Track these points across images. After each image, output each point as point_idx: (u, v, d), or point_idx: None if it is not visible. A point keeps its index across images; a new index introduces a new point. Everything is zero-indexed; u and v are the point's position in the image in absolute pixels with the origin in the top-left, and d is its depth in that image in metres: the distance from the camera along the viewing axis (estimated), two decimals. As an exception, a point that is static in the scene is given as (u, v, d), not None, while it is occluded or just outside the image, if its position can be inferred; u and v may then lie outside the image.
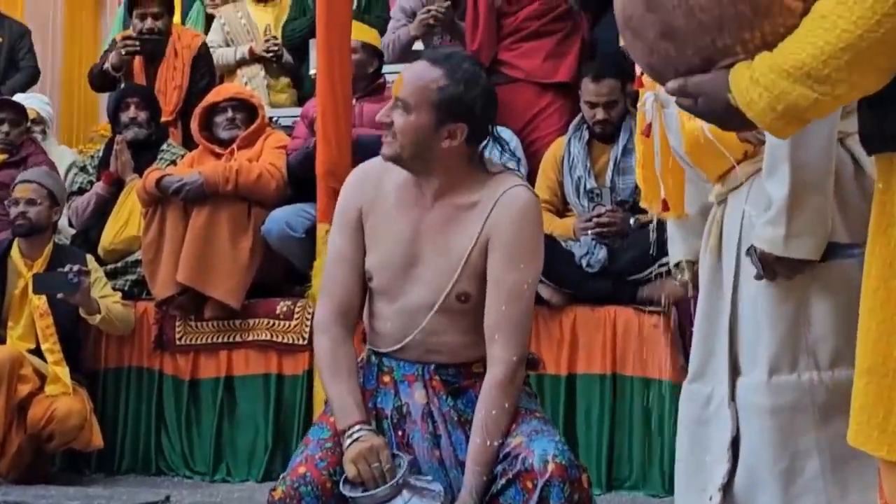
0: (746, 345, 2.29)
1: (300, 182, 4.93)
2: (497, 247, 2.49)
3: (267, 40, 6.42)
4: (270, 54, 6.39)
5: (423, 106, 2.47)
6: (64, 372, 4.54)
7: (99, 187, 5.28)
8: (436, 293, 2.52)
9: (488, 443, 2.41)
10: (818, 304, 2.20)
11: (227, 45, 6.54)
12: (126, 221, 5.14)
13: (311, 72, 5.97)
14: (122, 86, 5.84)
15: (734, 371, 2.32)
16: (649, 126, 2.48)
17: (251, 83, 6.36)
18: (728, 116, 1.52)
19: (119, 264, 5.12)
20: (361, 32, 5.31)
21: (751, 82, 1.46)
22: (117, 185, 5.25)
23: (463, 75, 2.48)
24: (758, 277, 2.20)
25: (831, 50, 1.38)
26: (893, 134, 1.46)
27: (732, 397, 2.32)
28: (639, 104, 2.57)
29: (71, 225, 5.40)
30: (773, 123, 1.46)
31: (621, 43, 4.82)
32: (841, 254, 2.13)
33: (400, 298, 2.55)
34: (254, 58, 6.44)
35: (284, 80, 6.57)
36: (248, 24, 6.75)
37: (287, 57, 6.49)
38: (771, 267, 2.17)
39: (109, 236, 5.14)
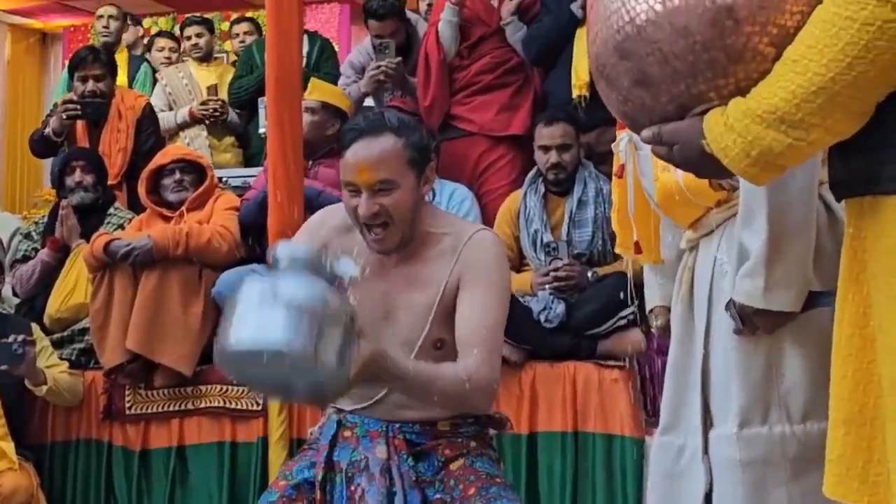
0: (718, 396, 2.25)
1: (252, 236, 4.87)
2: (471, 278, 2.43)
3: (205, 101, 6.37)
4: (212, 117, 6.34)
5: (402, 172, 2.42)
6: (9, 447, 4.39)
7: (44, 254, 5.16)
8: (411, 344, 2.45)
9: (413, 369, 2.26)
10: (790, 355, 2.16)
11: (170, 108, 6.49)
12: (73, 288, 5.02)
13: (261, 130, 5.93)
14: (66, 150, 5.74)
15: (706, 423, 2.28)
16: (622, 167, 2.44)
17: (193, 144, 6.31)
18: (703, 164, 1.49)
19: (66, 333, 4.99)
20: (322, 91, 5.27)
21: (725, 128, 1.43)
22: (63, 252, 5.13)
23: (400, 122, 2.45)
24: (736, 332, 2.15)
25: (804, 94, 1.36)
26: (861, 177, 1.43)
27: (706, 450, 2.27)
28: (613, 144, 2.54)
29: (15, 294, 5.26)
30: (747, 170, 1.43)
31: (574, 94, 4.87)
32: (821, 302, 2.08)
33: None
34: (195, 119, 6.39)
35: (228, 140, 6.53)
36: (191, 84, 6.72)
37: (233, 115, 6.45)
38: (751, 320, 2.12)
39: (56, 304, 5.02)
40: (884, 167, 1.39)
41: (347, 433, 2.54)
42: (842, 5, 1.33)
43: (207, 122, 6.40)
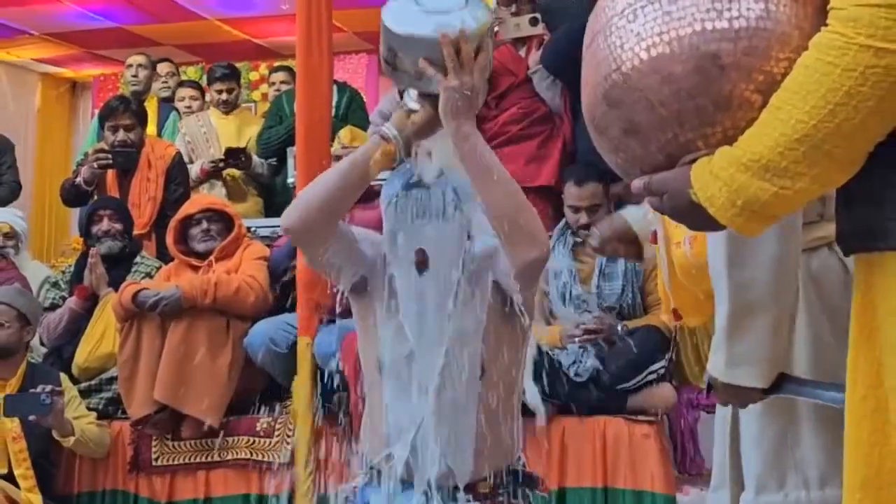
0: (744, 460, 2.21)
1: (283, 285, 4.86)
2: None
3: (215, 161, 6.38)
4: (219, 171, 6.37)
5: None
6: (37, 499, 4.38)
7: (72, 302, 5.16)
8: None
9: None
10: (806, 419, 2.11)
11: (189, 158, 6.49)
12: (101, 338, 5.02)
13: (290, 180, 5.94)
14: (94, 199, 5.77)
15: (738, 486, 2.24)
16: (654, 233, 2.42)
17: (210, 193, 6.33)
18: (692, 214, 1.45)
19: (93, 382, 4.98)
20: (358, 138, 5.28)
21: (710, 177, 1.40)
22: (91, 300, 5.14)
23: None
24: (722, 403, 2.11)
25: (787, 141, 1.33)
26: (867, 231, 1.39)
27: None
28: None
29: (42, 343, 5.26)
30: (734, 219, 1.39)
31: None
32: (786, 389, 1.96)
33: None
34: (206, 175, 6.40)
35: (249, 191, 6.53)
36: (209, 133, 6.75)
37: (262, 167, 6.46)
38: (721, 393, 2.02)
39: (84, 354, 5.01)
40: (890, 222, 1.36)
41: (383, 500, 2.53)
42: (824, 51, 1.30)
43: (224, 178, 6.43)
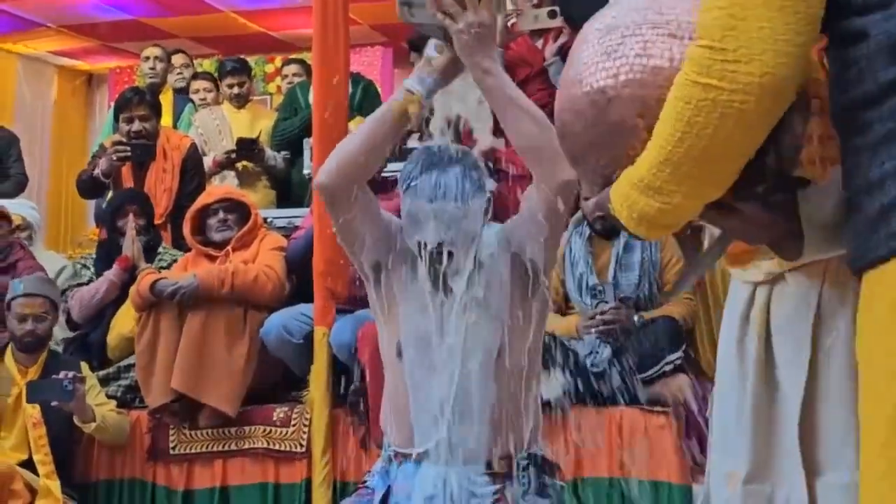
0: (830, 440, 2.17)
1: (299, 275, 4.88)
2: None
3: (229, 152, 6.39)
4: (237, 156, 6.38)
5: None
6: (55, 486, 4.41)
7: (112, 273, 5.10)
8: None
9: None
10: None
11: (203, 151, 6.49)
12: None
13: (306, 171, 5.96)
14: (112, 192, 5.79)
15: (811, 470, 2.20)
16: None
17: (223, 184, 6.34)
18: (624, 227, 1.60)
19: (111, 370, 5.01)
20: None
21: (616, 194, 1.57)
22: (130, 273, 5.07)
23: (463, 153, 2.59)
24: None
25: (657, 163, 1.48)
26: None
27: (812, 499, 2.19)
28: None
29: (68, 321, 5.24)
30: (637, 229, 1.56)
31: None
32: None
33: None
34: (219, 166, 6.42)
35: (261, 183, 6.54)
36: (223, 126, 6.76)
37: (274, 157, 6.47)
38: None
39: (128, 324, 4.98)
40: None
41: (403, 482, 2.55)
42: (675, 85, 1.46)
43: (237, 168, 6.45)
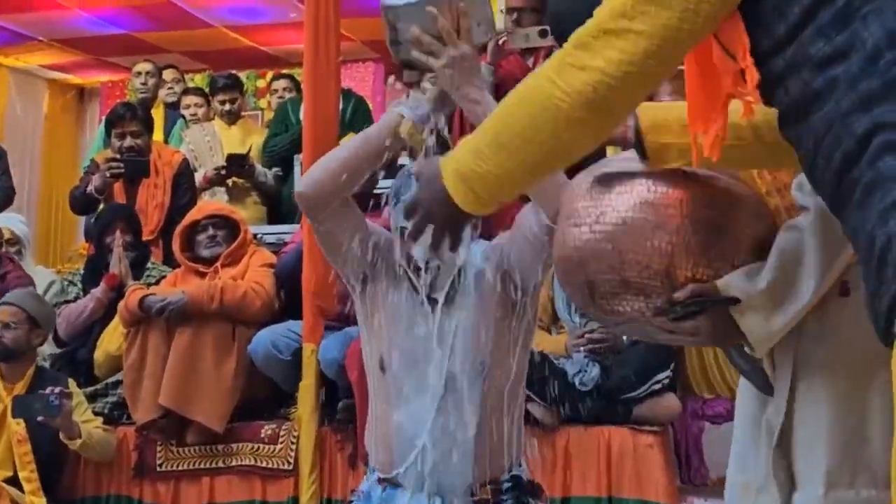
0: (804, 456, 2.19)
1: (288, 291, 4.87)
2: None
3: (219, 168, 6.38)
4: (227, 173, 6.37)
5: None
6: (41, 502, 4.39)
7: (99, 291, 5.11)
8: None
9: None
10: (878, 415, 2.10)
11: (193, 167, 6.45)
12: None
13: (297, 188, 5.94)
14: (102, 206, 5.76)
15: (790, 485, 2.21)
16: None
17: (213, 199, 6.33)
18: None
19: (99, 386, 4.99)
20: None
21: (452, 158, 1.67)
22: (117, 291, 5.07)
23: None
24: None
25: (486, 127, 1.62)
26: None
27: None
28: None
29: (56, 338, 5.23)
30: (455, 187, 1.63)
31: (608, 153, 4.85)
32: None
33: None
34: (210, 183, 6.41)
35: (250, 199, 6.53)
36: (213, 142, 6.75)
37: (265, 176, 6.46)
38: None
39: (115, 342, 4.98)
40: None
41: None
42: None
43: (241, 174, 6.43)
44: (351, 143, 2.53)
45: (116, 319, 5.00)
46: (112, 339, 5.02)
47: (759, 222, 1.85)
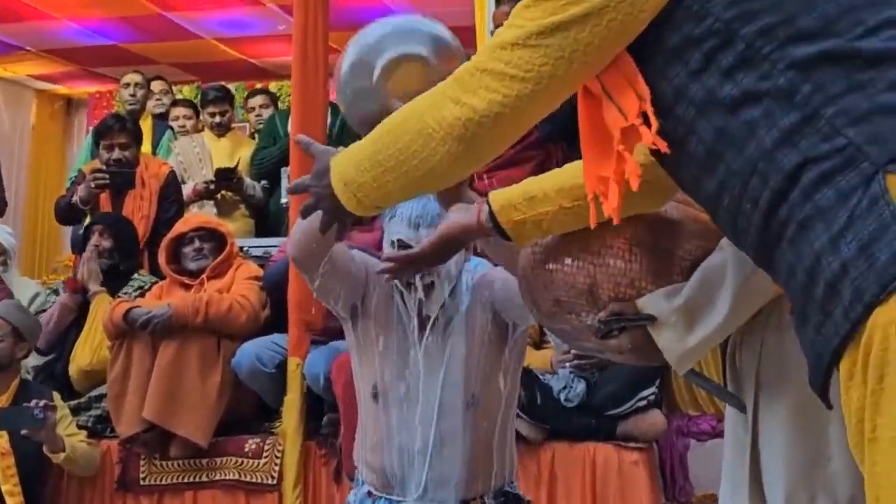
0: (768, 479, 2.19)
1: (273, 304, 4.87)
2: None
3: (208, 182, 6.37)
4: (215, 186, 6.36)
5: None
6: (24, 517, 4.36)
7: (63, 297, 5.15)
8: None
9: None
10: (837, 437, 2.10)
11: (182, 179, 6.46)
12: (102, 339, 4.96)
13: (283, 200, 5.95)
14: (89, 217, 5.76)
15: (758, 498, 2.22)
16: None
17: (201, 212, 6.32)
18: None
19: (83, 399, 4.96)
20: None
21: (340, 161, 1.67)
22: (81, 295, 5.11)
23: None
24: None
25: (373, 139, 1.64)
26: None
27: None
28: None
29: (37, 349, 5.21)
30: (343, 193, 1.66)
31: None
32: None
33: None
34: (199, 196, 6.40)
35: (239, 212, 6.52)
36: (203, 154, 6.74)
37: (253, 187, 6.46)
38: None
39: (86, 356, 4.98)
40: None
41: None
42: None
43: (228, 187, 6.43)
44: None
45: (84, 333, 5.01)
46: (83, 354, 5.01)
47: (692, 243, 1.86)
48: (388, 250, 2.55)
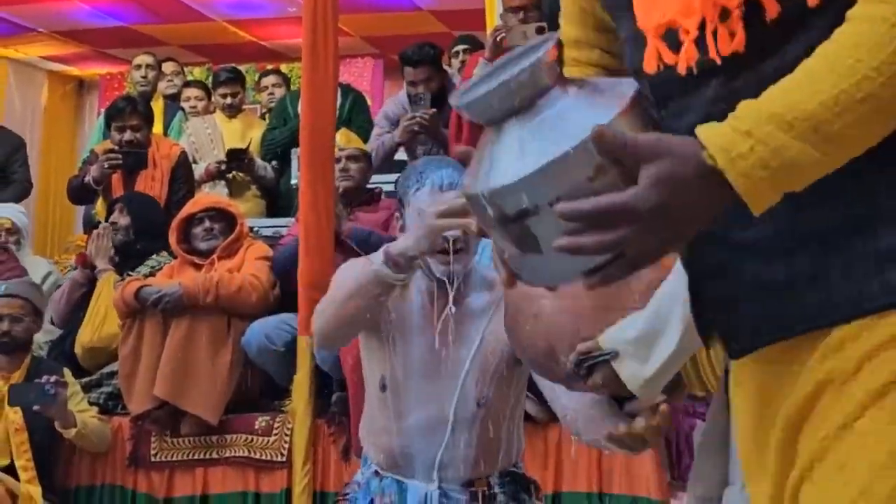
0: (736, 463, 2.24)
1: (283, 284, 4.91)
2: None
3: (220, 162, 6.40)
4: (227, 167, 6.39)
5: None
6: (37, 492, 4.40)
7: (74, 273, 5.22)
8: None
9: None
10: None
11: (194, 159, 6.50)
12: (104, 317, 5.01)
13: (294, 181, 5.98)
14: (101, 199, 5.81)
15: (724, 482, 2.26)
16: None
17: (212, 192, 6.35)
18: (693, 191, 1.14)
19: (94, 376, 5.01)
20: (356, 141, 5.36)
21: (738, 134, 1.13)
22: (90, 270, 5.16)
23: None
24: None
25: (848, 100, 1.12)
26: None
27: None
28: None
29: (53, 323, 5.27)
30: (758, 185, 1.13)
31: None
32: None
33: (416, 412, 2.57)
34: (210, 176, 6.43)
35: (250, 192, 6.55)
36: (214, 135, 6.77)
37: (264, 168, 6.49)
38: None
39: (88, 334, 5.03)
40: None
41: (386, 500, 2.57)
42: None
43: (239, 168, 6.46)
44: (341, 293, 2.48)
45: (89, 310, 5.07)
46: (85, 331, 5.06)
47: (654, 271, 1.74)
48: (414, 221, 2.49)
